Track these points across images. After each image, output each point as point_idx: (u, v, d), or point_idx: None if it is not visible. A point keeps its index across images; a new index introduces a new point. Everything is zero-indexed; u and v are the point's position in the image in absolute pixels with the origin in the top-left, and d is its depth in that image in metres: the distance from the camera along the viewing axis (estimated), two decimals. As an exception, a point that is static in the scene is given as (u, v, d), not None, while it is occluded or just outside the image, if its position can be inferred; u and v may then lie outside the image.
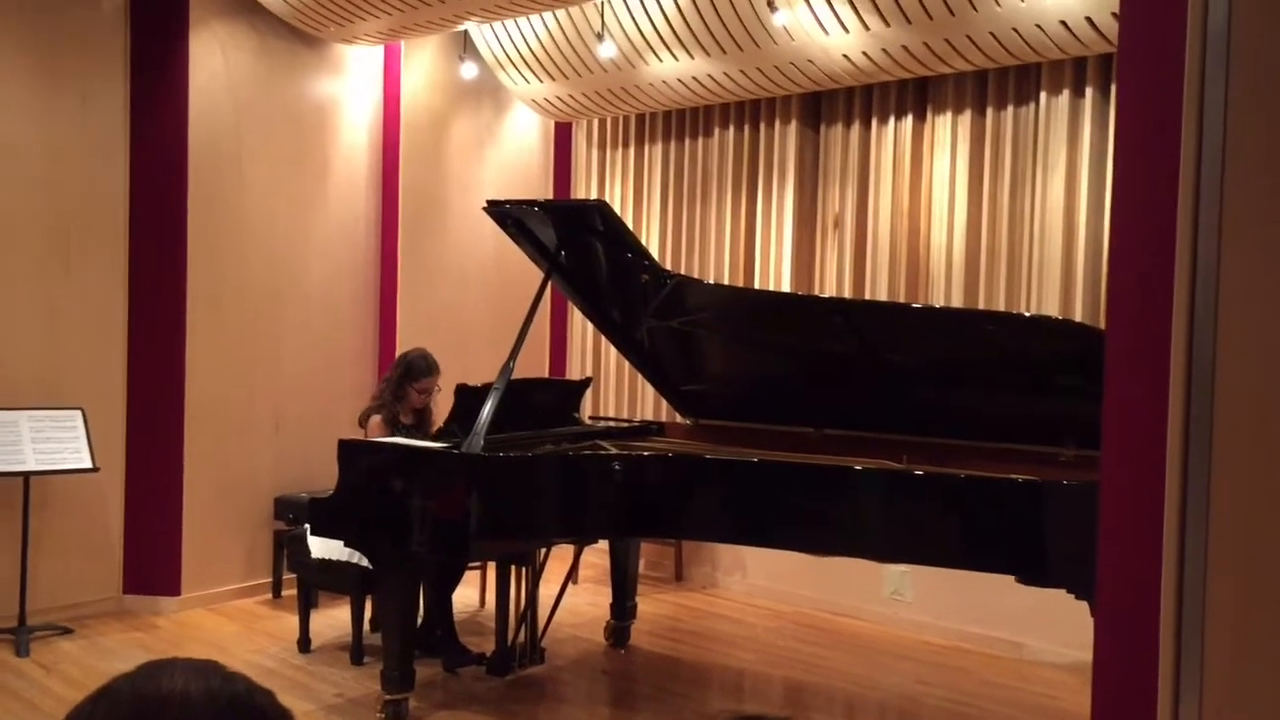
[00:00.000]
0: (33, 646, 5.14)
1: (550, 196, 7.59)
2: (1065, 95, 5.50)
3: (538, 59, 6.80)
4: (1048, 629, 5.24)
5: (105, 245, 5.74)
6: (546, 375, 7.47)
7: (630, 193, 7.43)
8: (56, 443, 5.26)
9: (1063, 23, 5.02)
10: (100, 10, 5.70)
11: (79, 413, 5.38)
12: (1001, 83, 5.75)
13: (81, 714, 0.86)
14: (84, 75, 5.64)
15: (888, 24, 5.42)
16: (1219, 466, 1.75)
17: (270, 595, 6.16)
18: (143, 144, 5.82)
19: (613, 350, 6.95)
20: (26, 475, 5.17)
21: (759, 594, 6.46)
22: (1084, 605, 3.62)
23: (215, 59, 5.96)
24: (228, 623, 5.72)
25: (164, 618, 5.74)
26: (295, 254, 6.37)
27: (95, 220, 5.70)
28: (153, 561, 5.85)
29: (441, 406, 5.19)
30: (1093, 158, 5.42)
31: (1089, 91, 5.42)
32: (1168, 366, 1.81)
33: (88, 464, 5.31)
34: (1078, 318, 5.35)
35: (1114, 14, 4.77)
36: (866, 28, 5.50)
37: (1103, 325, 4.87)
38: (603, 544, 5.79)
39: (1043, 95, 5.58)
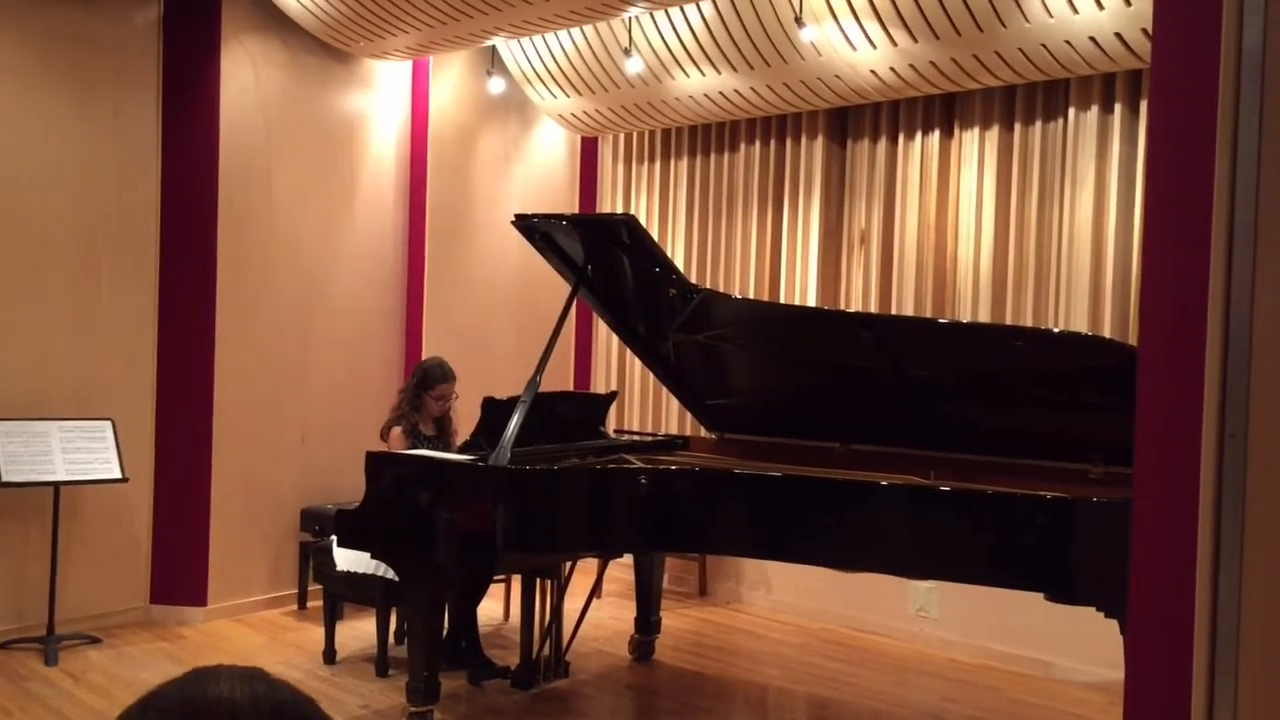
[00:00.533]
0: (61, 655, 5.18)
1: (576, 211, 7.61)
2: (1094, 111, 5.48)
3: (565, 74, 6.83)
4: (1075, 647, 5.20)
5: (136, 258, 5.80)
6: (571, 389, 7.49)
7: (656, 207, 7.44)
8: (86, 453, 5.31)
9: (1092, 39, 5.01)
10: (133, 25, 5.77)
11: (109, 424, 5.43)
12: (1030, 98, 5.74)
13: (130, 719, 0.87)
14: (116, 89, 5.71)
15: (915, 40, 5.42)
16: (1254, 482, 1.74)
17: (296, 606, 6.19)
18: (174, 158, 5.88)
19: (637, 364, 6.96)
20: (57, 485, 5.22)
21: (784, 610, 6.44)
22: (1111, 623, 3.60)
23: (246, 74, 6.02)
24: (253, 634, 5.75)
25: (190, 628, 5.78)
26: (323, 267, 6.42)
27: (126, 233, 5.76)
28: (180, 572, 5.89)
29: (464, 417, 5.21)
30: (1122, 173, 5.40)
31: (1118, 107, 5.40)
32: (1201, 381, 1.80)
33: (117, 474, 5.36)
34: (1106, 333, 5.32)
35: (1144, 30, 4.77)
36: (894, 43, 5.50)
37: (1131, 340, 4.86)
38: (627, 558, 5.79)
39: (1071, 111, 5.57)
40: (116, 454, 5.38)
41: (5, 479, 5.04)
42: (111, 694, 4.74)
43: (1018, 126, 5.79)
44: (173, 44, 5.88)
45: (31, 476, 5.12)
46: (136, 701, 0.89)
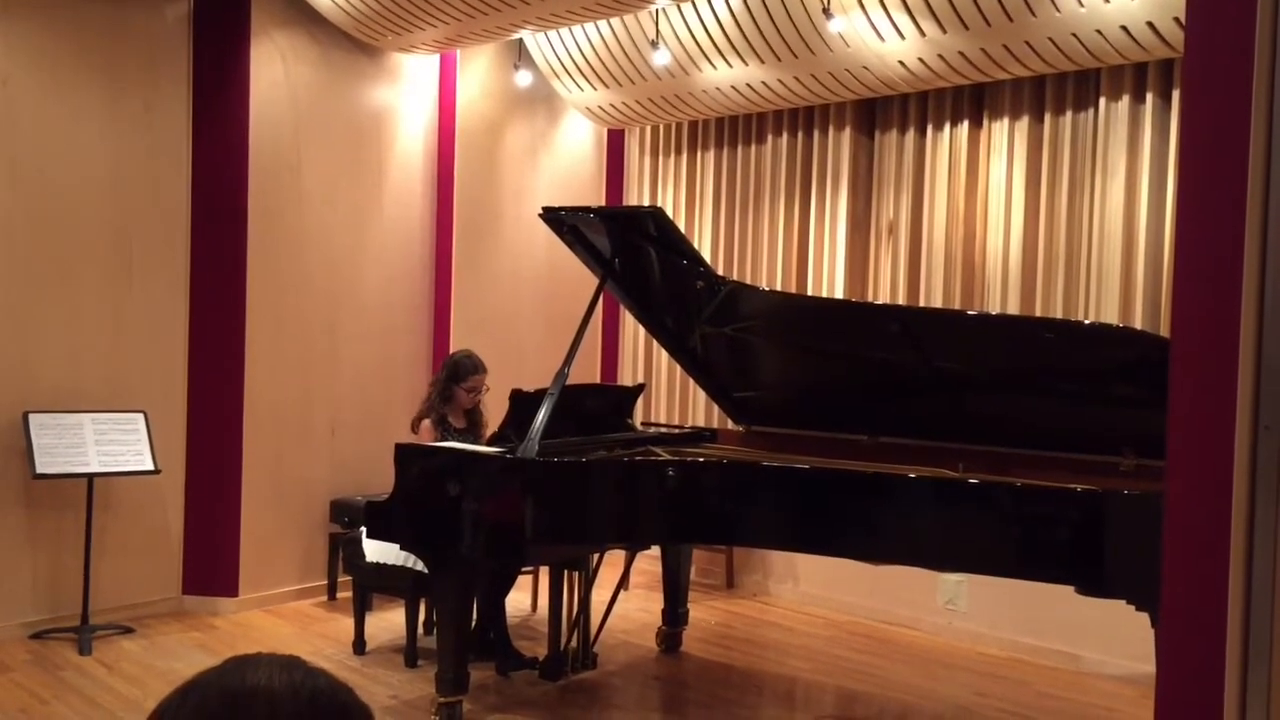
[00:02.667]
0: (95, 645, 5.24)
1: (603, 204, 7.62)
2: (1125, 101, 5.44)
3: (592, 67, 6.83)
4: (1104, 640, 5.17)
5: (167, 252, 5.85)
6: (599, 381, 7.50)
7: (683, 199, 7.44)
8: (119, 445, 5.36)
9: (1123, 28, 4.97)
10: (164, 20, 5.81)
11: (141, 416, 5.48)
12: (1060, 88, 5.70)
13: (170, 706, 0.89)
14: (147, 84, 5.75)
15: (944, 30, 5.39)
16: (1289, 476, 1.73)
17: (326, 597, 6.23)
18: (205, 152, 5.93)
19: (664, 356, 6.97)
20: (90, 477, 5.27)
21: (811, 602, 6.43)
22: (1141, 616, 3.59)
23: (276, 68, 6.06)
24: (284, 624, 5.80)
25: (222, 618, 5.83)
26: (352, 261, 6.45)
27: (157, 226, 5.81)
28: (211, 563, 5.94)
29: (493, 409, 5.22)
30: (1153, 163, 5.35)
31: (1149, 97, 5.36)
32: (1235, 373, 1.79)
33: (149, 466, 5.41)
34: (1138, 325, 5.29)
35: (1176, 19, 4.72)
36: (923, 34, 5.47)
37: (1163, 332, 4.82)
38: (654, 551, 5.79)
39: (1102, 101, 5.52)
40: (149, 446, 5.43)
41: (40, 471, 5.10)
42: (145, 683, 4.79)
43: (1048, 117, 5.75)
44: (203, 38, 5.92)
45: (65, 468, 5.18)
46: (177, 688, 0.90)
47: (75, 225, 5.51)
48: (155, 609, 5.80)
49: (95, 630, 5.31)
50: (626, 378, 7.61)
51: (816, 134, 6.70)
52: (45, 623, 5.38)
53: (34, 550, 5.39)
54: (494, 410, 5.29)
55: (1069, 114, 5.68)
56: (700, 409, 7.12)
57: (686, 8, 6.16)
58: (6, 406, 5.25)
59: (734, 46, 6.17)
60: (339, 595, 6.17)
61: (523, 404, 4.56)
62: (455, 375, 5.30)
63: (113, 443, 5.35)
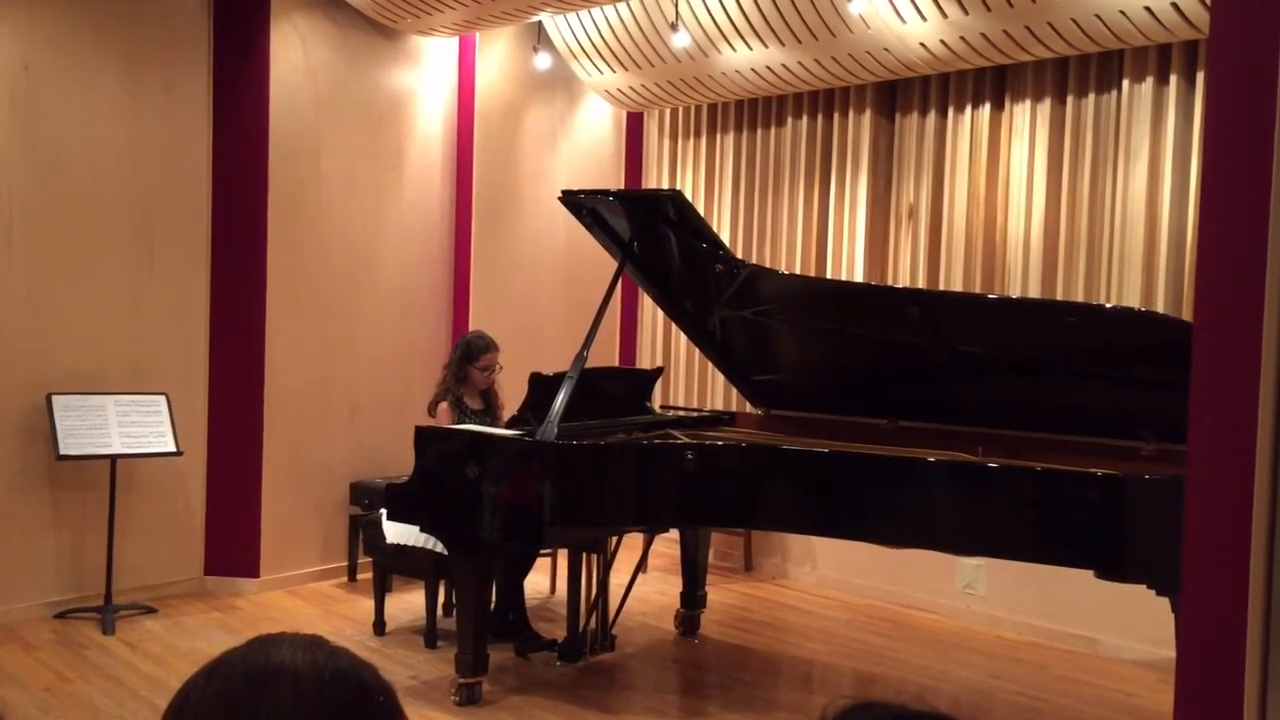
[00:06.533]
0: (118, 625, 5.29)
1: (622, 187, 7.61)
2: (1149, 83, 5.39)
3: (611, 49, 6.81)
4: (1122, 625, 5.16)
5: (188, 234, 5.87)
6: (617, 364, 7.50)
7: (702, 183, 7.42)
8: (142, 427, 5.40)
9: (1147, 9, 4.92)
10: (184, 3, 5.82)
11: (163, 398, 5.52)
12: (1083, 70, 5.65)
13: (196, 685, 0.90)
14: (168, 66, 5.77)
15: (966, 11, 5.35)
16: (1312, 461, 1.72)
17: (346, 579, 6.27)
18: (225, 135, 5.94)
19: (682, 339, 6.96)
20: (113, 458, 5.31)
21: (829, 585, 6.44)
22: (1160, 601, 3.58)
23: (295, 51, 6.06)
24: (305, 605, 5.84)
25: (243, 599, 5.87)
26: (371, 244, 6.47)
27: (178, 210, 5.83)
28: (233, 544, 5.99)
29: (511, 392, 5.24)
30: (1177, 146, 5.31)
31: (1173, 79, 5.31)
32: (1258, 356, 1.78)
33: (171, 448, 5.44)
34: (1160, 308, 5.25)
35: (1201, 0, 4.68)
36: (944, 15, 5.43)
37: (1186, 316, 4.79)
38: (673, 533, 5.80)
39: (1125, 83, 5.47)
40: (171, 427, 5.47)
41: (63, 452, 5.14)
42: (168, 663, 4.83)
43: (1070, 99, 5.70)
44: (223, 21, 5.93)
45: (89, 449, 5.22)
46: (202, 668, 0.91)
47: (96, 208, 5.54)
48: (177, 589, 5.85)
49: (118, 610, 5.36)
50: (645, 361, 7.61)
51: (836, 117, 6.67)
52: (69, 602, 5.43)
53: (58, 531, 5.44)
54: (512, 392, 5.31)
55: (1091, 96, 5.63)
56: (719, 393, 7.12)
57: (706, -11, 6.13)
58: (30, 388, 5.29)
59: (754, 29, 6.14)
60: (359, 577, 6.21)
61: (542, 387, 4.58)
62: (468, 355, 5.32)
63: (135, 424, 5.38)
